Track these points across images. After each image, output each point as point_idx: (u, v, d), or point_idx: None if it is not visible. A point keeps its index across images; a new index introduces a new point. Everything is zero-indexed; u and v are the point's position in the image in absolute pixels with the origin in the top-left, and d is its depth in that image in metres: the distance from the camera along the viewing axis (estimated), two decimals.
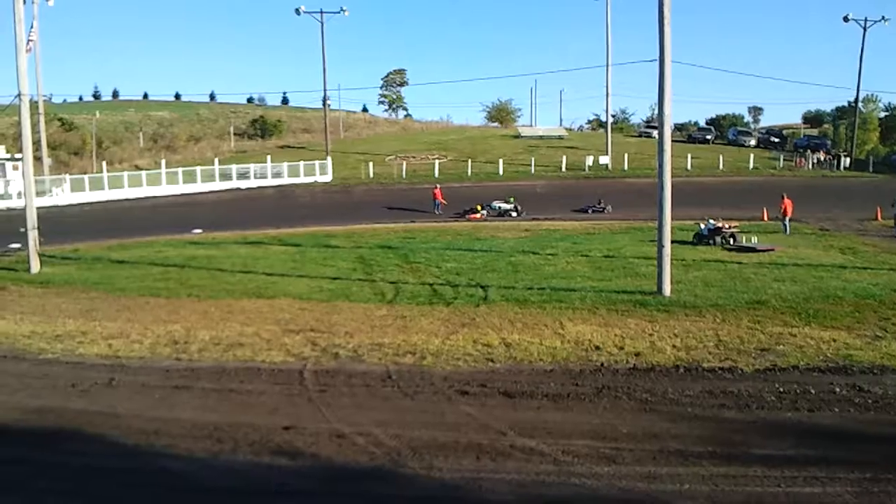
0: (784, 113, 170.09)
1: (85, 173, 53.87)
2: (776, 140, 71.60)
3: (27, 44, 41.02)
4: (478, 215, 40.06)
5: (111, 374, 12.80)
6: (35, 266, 24.08)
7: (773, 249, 25.25)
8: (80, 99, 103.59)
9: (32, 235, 24.31)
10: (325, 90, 62.90)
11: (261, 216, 39.94)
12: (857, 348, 13.48)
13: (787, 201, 30.72)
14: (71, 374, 12.96)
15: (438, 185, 42.92)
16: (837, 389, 11.29)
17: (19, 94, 24.58)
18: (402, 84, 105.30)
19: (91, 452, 9.48)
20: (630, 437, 9.59)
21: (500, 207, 40.77)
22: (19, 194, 37.22)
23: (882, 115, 75.28)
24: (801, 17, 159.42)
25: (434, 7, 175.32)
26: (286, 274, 22.71)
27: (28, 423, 10.57)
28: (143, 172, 53.63)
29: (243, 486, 8.61)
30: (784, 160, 60.39)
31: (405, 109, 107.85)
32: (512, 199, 42.05)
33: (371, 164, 57.57)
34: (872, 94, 74.24)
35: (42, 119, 51.39)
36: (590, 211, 40.74)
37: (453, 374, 12.59)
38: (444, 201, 40.63)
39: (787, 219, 30.57)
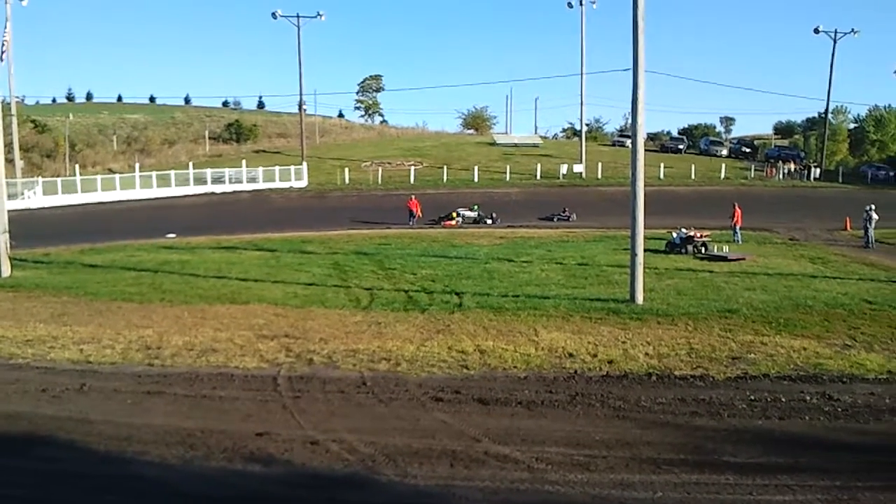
0: (755, 123, 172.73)
1: (58, 176, 53.35)
2: (748, 150, 72.59)
3: (1, 45, 40.62)
4: (453, 222, 40.14)
5: (82, 380, 12.64)
6: (6, 270, 23.75)
7: (744, 258, 25.57)
8: (54, 101, 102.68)
9: (3, 239, 23.97)
10: (301, 95, 62.72)
11: (236, 221, 39.75)
12: (826, 357, 13.68)
13: (737, 210, 31.14)
14: (42, 379, 12.79)
15: (414, 196, 42.47)
16: (807, 398, 11.45)
17: None
18: (378, 90, 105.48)
19: (62, 458, 9.36)
20: (603, 445, 9.66)
21: (463, 215, 40.81)
22: None
23: (851, 126, 76.59)
24: (772, 28, 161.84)
25: (410, 13, 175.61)
26: (261, 279, 22.61)
27: None
28: (117, 176, 53.18)
29: (216, 492, 8.56)
30: (755, 170, 61.24)
31: (381, 115, 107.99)
32: (476, 207, 42.17)
33: (347, 169, 57.54)
34: (842, 106, 75.65)
35: (14, 121, 50.78)
36: (555, 219, 41.00)
37: (428, 380, 12.60)
38: (419, 213, 40.31)
39: (738, 227, 30.98)
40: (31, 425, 10.47)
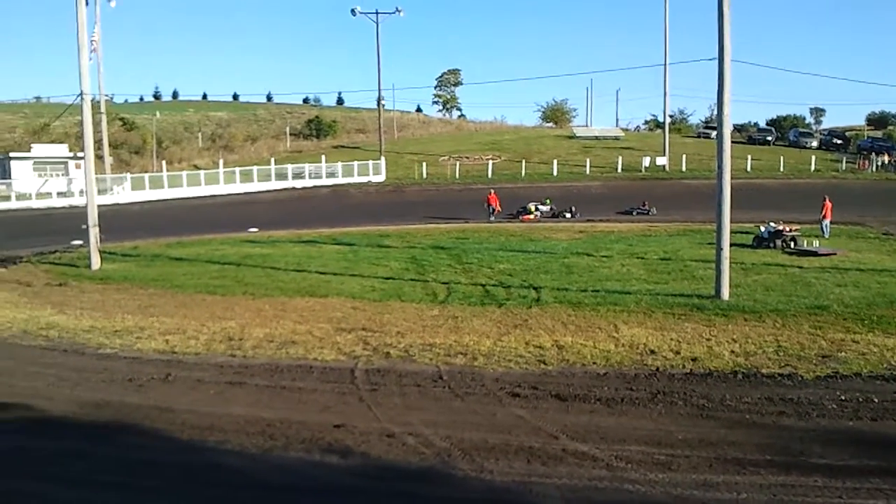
0: (847, 114, 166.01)
1: (145, 172, 55.35)
2: (839, 142, 69.75)
3: (90, 44, 42.18)
4: (531, 216, 39.86)
5: (167, 370, 12.99)
6: (96, 262, 24.71)
7: (835, 253, 24.56)
8: (141, 99, 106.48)
9: (93, 232, 24.96)
10: (379, 90, 63.25)
11: (315, 215, 40.39)
12: None
13: (827, 203, 29.95)
14: (129, 368, 13.21)
15: (493, 190, 42.13)
16: None
17: (81, 94, 25.25)
18: (456, 84, 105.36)
19: (147, 446, 9.61)
20: (685, 444, 9.34)
21: (534, 208, 40.43)
22: (81, 192, 38.22)
23: None
24: (865, 14, 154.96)
25: (488, 7, 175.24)
26: (339, 273, 22.88)
27: (87, 416, 10.76)
28: (202, 172, 54.84)
29: (294, 482, 8.63)
30: (847, 162, 58.80)
31: (459, 110, 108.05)
32: (548, 200, 41.74)
33: (424, 164, 57.82)
34: None
35: (104, 118, 52.91)
36: (634, 212, 40.22)
37: (505, 375, 12.46)
38: (499, 208, 40.06)
39: (827, 221, 29.81)
40: (118, 413, 10.78)
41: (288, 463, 9.04)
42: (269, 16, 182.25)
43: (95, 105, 50.87)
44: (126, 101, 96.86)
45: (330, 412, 10.80)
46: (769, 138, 71.49)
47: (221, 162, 58.01)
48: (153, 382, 12.39)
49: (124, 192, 49.39)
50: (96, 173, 27.68)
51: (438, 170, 58.43)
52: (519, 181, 53.48)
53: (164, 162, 58.96)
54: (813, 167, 56.56)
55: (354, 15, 60.04)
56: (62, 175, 51.82)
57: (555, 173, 55.64)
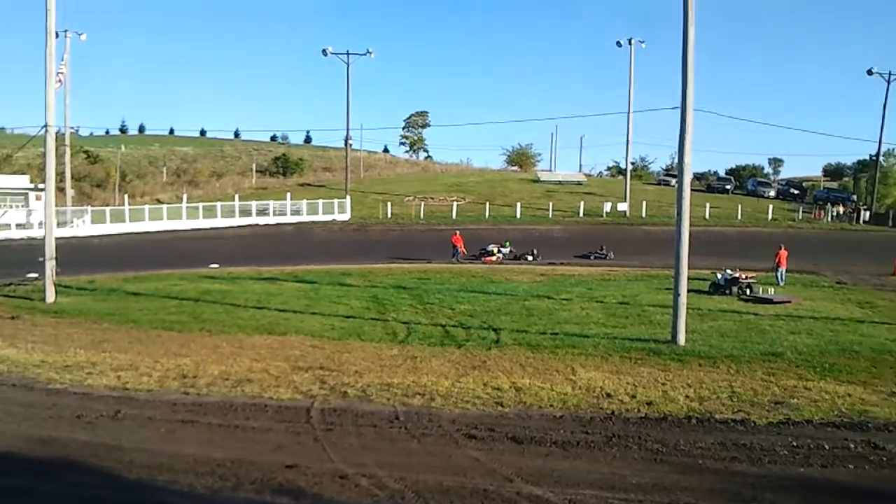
0: (804, 165, 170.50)
1: (107, 205, 54.63)
2: (796, 192, 71.47)
3: (56, 76, 41.87)
4: (493, 258, 40.05)
5: (118, 407, 12.72)
6: (50, 296, 24.26)
7: (789, 301, 25.01)
8: (107, 133, 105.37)
9: (49, 265, 24.53)
10: (347, 130, 63.60)
11: (278, 253, 40.18)
12: (873, 404, 13.18)
13: (783, 252, 30.52)
14: (78, 404, 12.90)
15: (458, 232, 42.26)
16: (852, 446, 10.99)
17: (46, 126, 24.99)
18: (423, 126, 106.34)
19: (93, 485, 9.38)
20: (639, 488, 9.36)
21: (496, 250, 40.77)
22: (41, 224, 37.58)
23: None
24: (823, 70, 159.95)
25: (458, 52, 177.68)
26: (299, 311, 22.72)
27: (33, 452, 10.48)
28: (164, 206, 54.34)
29: None
30: (803, 212, 60.21)
31: (426, 151, 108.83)
32: (507, 243, 42.08)
33: (390, 204, 57.99)
34: (894, 148, 74.11)
35: (68, 151, 52.38)
36: (592, 257, 40.65)
37: (461, 416, 12.42)
38: (464, 249, 40.20)
39: (783, 270, 30.35)
40: (65, 450, 10.52)
41: None
42: (238, 53, 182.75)
43: (60, 137, 50.44)
44: (92, 134, 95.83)
45: (283, 452, 10.64)
46: (728, 187, 72.96)
47: (185, 197, 57.62)
48: (102, 419, 12.12)
49: (85, 225, 48.76)
50: (57, 205, 27.32)
51: (403, 210, 58.61)
52: (483, 223, 53.79)
53: (126, 196, 58.36)
54: (770, 216, 57.79)
55: (326, 55, 60.65)
56: (22, 206, 50.99)
57: (518, 216, 56.11)
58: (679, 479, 9.71)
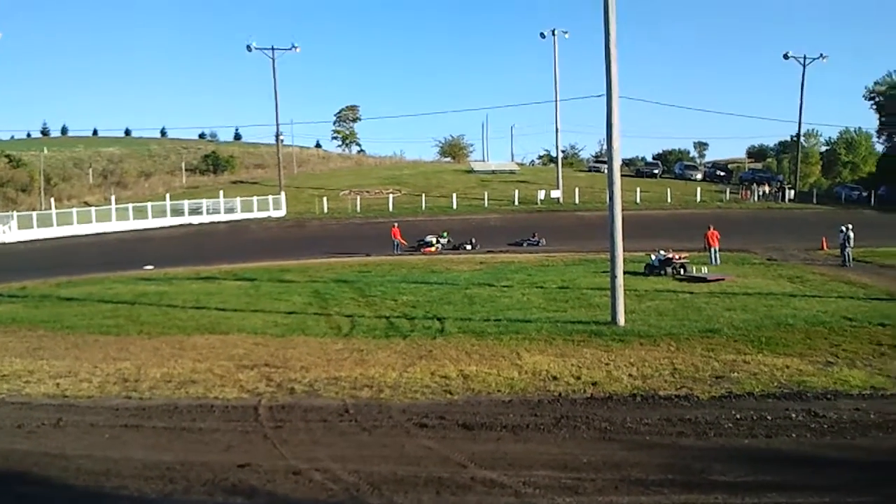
0: (729, 148, 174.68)
1: (33, 210, 52.91)
2: (722, 174, 73.44)
3: None
4: (433, 248, 40.12)
5: (59, 414, 12.37)
6: None
7: (723, 279, 25.68)
8: (28, 135, 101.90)
9: None
10: (277, 125, 62.80)
11: (214, 251, 39.48)
12: (810, 374, 13.70)
13: (713, 232, 31.26)
14: (17, 414, 12.50)
15: (397, 224, 42.01)
16: (793, 415, 11.42)
17: None
18: (354, 120, 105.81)
19: (38, 495, 9.13)
20: (591, 467, 9.55)
21: (436, 240, 40.97)
22: None
23: (823, 149, 77.88)
24: (743, 54, 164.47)
25: (385, 43, 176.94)
26: (240, 309, 22.38)
27: None
28: (93, 209, 52.86)
29: None
30: (730, 193, 61.86)
31: (358, 145, 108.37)
32: (445, 234, 42.26)
33: (325, 198, 57.53)
34: (814, 129, 76.99)
35: None
36: (525, 244, 41.10)
37: (411, 406, 12.46)
38: (403, 241, 40.07)
39: (716, 249, 31.09)
40: (6, 462, 10.21)
41: None
42: (161, 50, 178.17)
43: None
44: (12, 137, 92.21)
45: (233, 452, 10.52)
46: (656, 171, 74.54)
47: (114, 198, 56.14)
48: (44, 428, 11.77)
49: (11, 232, 47.08)
50: None
51: (339, 204, 58.24)
52: (420, 214, 53.85)
53: (52, 199, 56.54)
54: (699, 198, 59.28)
55: (250, 51, 59.65)
56: None
57: (454, 206, 56.32)
58: (628, 456, 9.94)
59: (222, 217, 55.07)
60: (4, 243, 44.05)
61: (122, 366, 15.59)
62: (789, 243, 36.72)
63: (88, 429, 11.79)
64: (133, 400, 13.31)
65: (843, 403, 12.03)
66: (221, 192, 57.97)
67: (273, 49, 59.67)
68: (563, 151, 69.52)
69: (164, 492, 9.12)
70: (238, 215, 55.53)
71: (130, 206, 53.54)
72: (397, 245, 39.45)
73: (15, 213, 49.69)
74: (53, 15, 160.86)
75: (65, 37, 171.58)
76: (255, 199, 57.13)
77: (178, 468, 9.78)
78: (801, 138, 67.50)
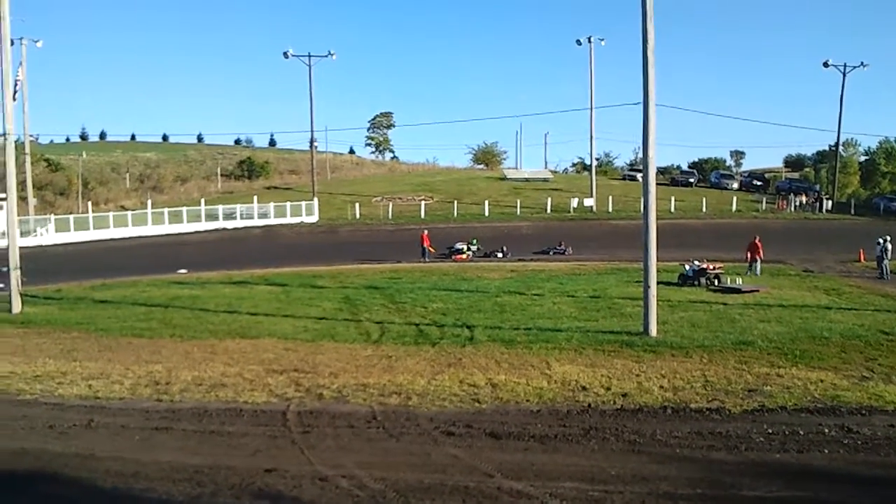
0: (766, 157, 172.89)
1: (70, 213, 53.75)
2: (758, 183, 72.44)
3: (15, 84, 41.24)
4: (464, 255, 40.07)
5: (90, 416, 12.53)
6: (17, 306, 23.80)
7: (757, 290, 25.33)
8: (68, 140, 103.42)
9: (15, 275, 24.06)
10: (312, 132, 63.13)
11: (247, 256, 39.79)
12: (844, 389, 13.42)
13: (757, 243, 30.85)
14: (49, 415, 12.68)
15: (426, 231, 41.74)
16: (826, 430, 11.19)
17: (4, 134, 24.57)
18: (388, 126, 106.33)
19: (67, 496, 9.24)
20: (619, 480, 9.43)
21: (466, 248, 40.88)
22: (3, 234, 36.91)
23: (862, 159, 76.52)
24: (782, 62, 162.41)
25: (421, 51, 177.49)
26: (271, 314, 22.54)
27: (4, 465, 10.28)
28: (129, 213, 53.62)
29: None
30: (766, 203, 61.03)
31: (392, 151, 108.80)
32: (475, 241, 42.13)
33: (357, 205, 57.75)
34: (852, 139, 75.69)
35: (28, 159, 51.43)
36: (551, 252, 40.91)
37: (439, 414, 12.42)
38: (432, 249, 39.88)
39: (758, 260, 30.67)
40: (37, 462, 10.33)
41: None
42: (200, 56, 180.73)
43: (19, 145, 49.58)
44: (52, 141, 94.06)
45: (261, 456, 10.56)
46: (691, 180, 73.73)
47: (150, 203, 56.82)
48: (75, 429, 11.92)
49: (48, 234, 47.89)
50: (19, 215, 26.80)
51: (371, 210, 58.43)
52: (451, 221, 53.80)
53: (89, 203, 57.44)
54: (734, 208, 58.54)
55: (287, 57, 60.06)
56: None
57: (486, 214, 56.21)
58: (657, 469, 9.80)
59: (256, 222, 55.56)
60: (42, 246, 44.80)
61: (153, 368, 15.76)
62: (825, 255, 36.11)
63: (119, 430, 11.91)
64: (164, 403, 13.44)
65: (877, 419, 11.76)
66: (255, 198, 58.50)
67: (310, 56, 60.09)
68: (597, 159, 69.13)
69: (192, 495, 9.16)
70: (271, 220, 55.97)
71: (166, 210, 54.21)
72: (425, 252, 39.38)
73: (53, 217, 50.57)
74: (95, 20, 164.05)
75: (105, 43, 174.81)
76: (288, 204, 57.53)
77: (206, 471, 9.83)
78: (840, 148, 66.30)
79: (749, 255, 30.83)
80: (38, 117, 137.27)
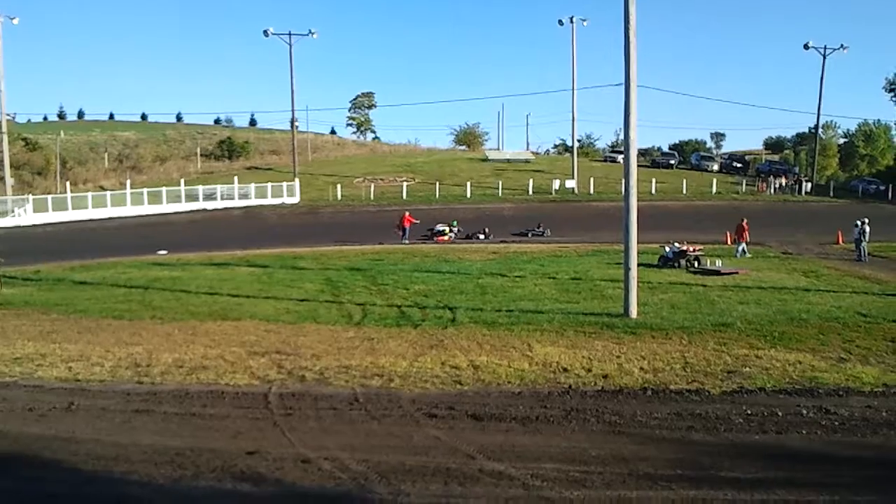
0: (745, 139, 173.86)
1: (48, 193, 53.20)
2: (738, 165, 72.95)
3: None
4: (445, 237, 40.09)
5: (70, 398, 12.43)
6: None
7: (737, 272, 25.53)
8: (45, 119, 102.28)
9: None
10: (293, 112, 63.18)
11: (227, 237, 39.61)
12: (822, 370, 13.57)
13: (745, 224, 31.11)
14: (29, 397, 12.57)
15: (408, 212, 41.53)
16: (804, 412, 11.31)
17: None
18: (370, 107, 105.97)
19: (47, 478, 9.16)
20: (599, 461, 9.50)
21: (440, 230, 40.90)
22: None
23: (841, 141, 77.15)
24: (762, 45, 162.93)
25: (402, 31, 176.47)
26: (252, 296, 22.45)
27: None
28: (108, 193, 53.20)
29: None
30: (746, 185, 61.47)
31: (373, 132, 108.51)
32: (455, 223, 42.16)
33: (339, 186, 57.60)
34: (832, 121, 76.25)
35: (5, 138, 50.84)
36: (529, 234, 41.08)
37: (421, 396, 12.43)
38: (399, 232, 39.45)
39: (745, 242, 30.95)
40: (16, 445, 10.25)
41: (198, 493, 8.77)
42: (179, 35, 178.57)
43: None
44: (29, 120, 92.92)
45: (242, 439, 10.53)
46: (672, 162, 74.12)
47: (129, 183, 56.38)
48: (55, 412, 11.83)
49: (26, 215, 47.44)
50: None
51: (353, 191, 58.28)
52: (433, 203, 53.81)
53: (68, 183, 56.85)
54: (714, 189, 58.90)
55: (267, 36, 59.59)
56: None
57: (468, 195, 56.26)
58: (637, 450, 9.88)
59: (236, 203, 55.29)
60: (20, 226, 44.38)
61: (134, 350, 15.66)
62: (805, 237, 36.50)
63: (99, 413, 11.83)
64: (144, 385, 13.36)
65: (854, 400, 11.90)
66: (236, 178, 58.19)
67: (290, 34, 59.63)
68: (578, 141, 69.19)
69: (173, 477, 9.13)
70: (252, 201, 55.73)
71: (145, 190, 53.81)
72: (405, 233, 39.25)
73: (31, 197, 50.06)
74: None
75: (83, 21, 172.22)
76: (269, 185, 57.28)
77: (188, 454, 9.79)
78: (819, 130, 66.82)
79: (735, 237, 31.05)
80: (14, 95, 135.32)
